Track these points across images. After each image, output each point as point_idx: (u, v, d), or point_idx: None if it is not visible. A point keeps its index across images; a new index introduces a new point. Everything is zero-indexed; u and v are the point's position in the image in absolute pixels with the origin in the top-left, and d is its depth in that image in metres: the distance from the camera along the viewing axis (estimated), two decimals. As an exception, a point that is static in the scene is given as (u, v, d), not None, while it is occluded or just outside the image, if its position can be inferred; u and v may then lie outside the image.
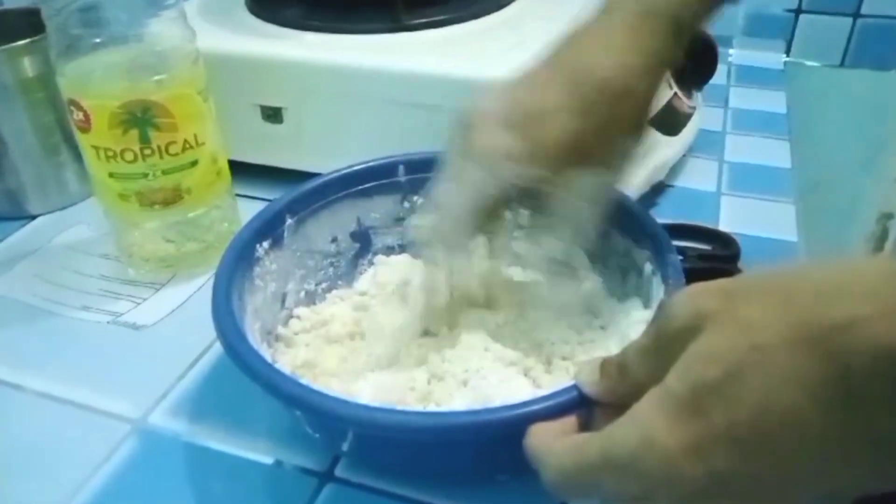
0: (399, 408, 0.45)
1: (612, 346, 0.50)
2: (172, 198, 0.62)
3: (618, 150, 0.47)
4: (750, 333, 0.29)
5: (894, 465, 0.28)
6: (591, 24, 0.47)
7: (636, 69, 0.45)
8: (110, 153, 0.59)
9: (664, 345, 0.33)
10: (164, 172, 0.60)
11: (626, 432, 0.32)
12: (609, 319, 0.54)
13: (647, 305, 0.51)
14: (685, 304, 0.33)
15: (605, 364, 0.38)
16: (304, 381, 0.44)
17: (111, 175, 0.60)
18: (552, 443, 0.36)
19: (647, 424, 0.31)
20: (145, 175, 0.60)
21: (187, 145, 0.60)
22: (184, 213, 0.63)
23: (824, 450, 0.28)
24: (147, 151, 0.59)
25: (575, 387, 0.39)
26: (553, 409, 0.39)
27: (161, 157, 0.60)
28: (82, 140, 0.60)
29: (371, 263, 0.62)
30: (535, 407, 0.39)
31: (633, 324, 0.50)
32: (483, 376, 0.48)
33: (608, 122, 0.45)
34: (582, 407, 0.39)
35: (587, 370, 0.39)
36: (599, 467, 0.33)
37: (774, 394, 0.28)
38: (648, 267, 0.52)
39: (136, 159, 0.59)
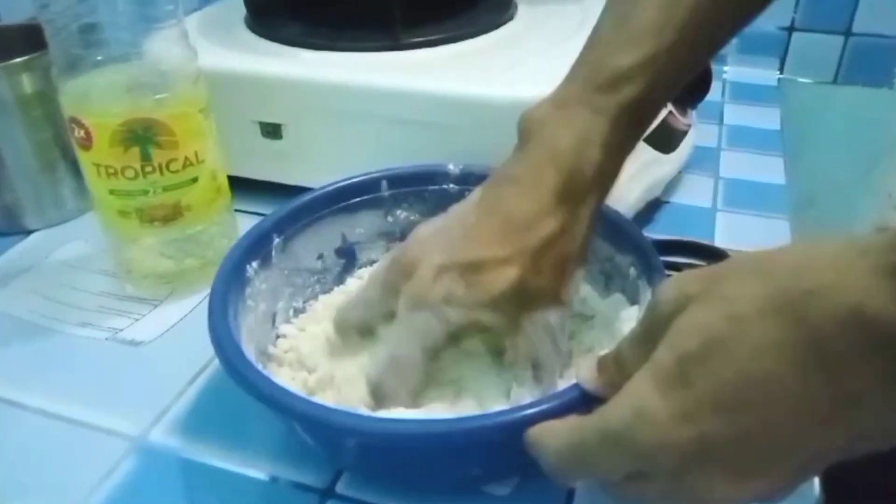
0: (405, 416, 0.46)
1: (604, 341, 0.51)
2: (172, 214, 0.62)
3: (564, 284, 0.47)
4: (729, 305, 0.32)
5: (867, 427, 0.30)
6: (521, 178, 0.47)
7: (575, 227, 0.46)
8: (111, 170, 0.59)
9: (653, 329, 0.35)
10: (165, 189, 0.61)
11: (620, 407, 0.34)
12: (598, 318, 0.55)
13: (633, 303, 0.53)
14: (671, 288, 0.35)
15: (601, 359, 0.40)
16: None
17: (111, 192, 0.60)
18: (551, 426, 0.38)
19: (639, 397, 0.34)
20: (146, 192, 0.60)
21: (188, 162, 0.61)
22: (183, 229, 0.63)
23: (802, 412, 0.31)
24: (148, 169, 0.59)
25: (579, 386, 0.41)
26: (560, 410, 0.39)
27: (162, 174, 0.60)
28: (83, 157, 0.60)
29: (359, 279, 0.63)
30: (544, 406, 0.40)
31: (623, 320, 0.51)
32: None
33: (549, 265, 0.46)
34: (585, 406, 0.40)
35: (585, 367, 0.41)
36: (597, 443, 0.35)
37: (753, 360, 0.31)
38: (633, 271, 0.53)
39: (136, 176, 0.59)
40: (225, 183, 0.66)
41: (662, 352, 0.34)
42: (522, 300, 0.46)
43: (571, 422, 0.37)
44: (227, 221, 0.67)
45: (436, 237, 0.48)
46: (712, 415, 0.32)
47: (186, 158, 0.61)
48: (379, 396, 0.48)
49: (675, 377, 0.33)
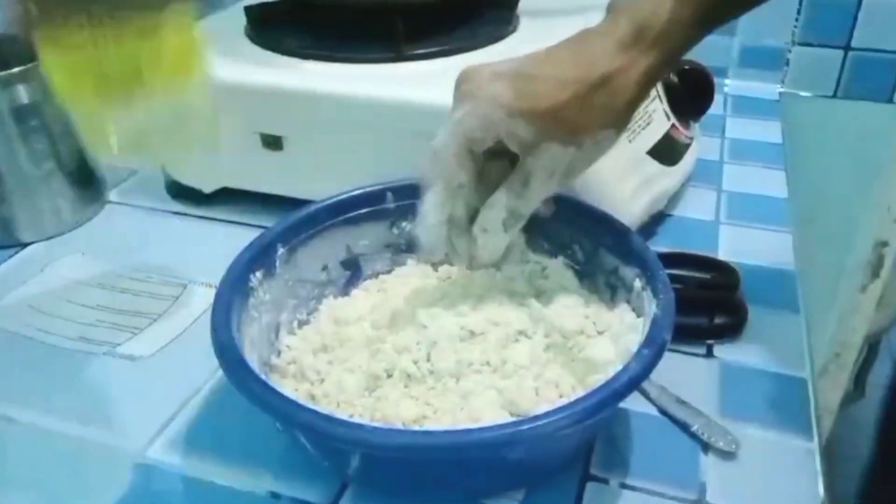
0: (413, 428, 0.46)
1: (612, 355, 0.51)
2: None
3: (592, 135, 0.51)
4: None
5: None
6: (599, 27, 0.52)
7: (629, 75, 0.50)
8: None
9: None
10: None
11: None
12: (604, 324, 0.55)
13: (639, 315, 0.52)
14: None
15: None
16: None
17: None
18: None
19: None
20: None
21: None
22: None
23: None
24: None
25: (587, 397, 0.41)
26: (565, 422, 0.40)
27: None
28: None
29: (364, 290, 0.62)
30: (551, 419, 0.40)
31: (630, 333, 0.51)
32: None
33: (593, 107, 0.50)
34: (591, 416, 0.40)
35: None
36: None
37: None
38: (638, 283, 0.52)
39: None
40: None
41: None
42: (556, 124, 0.50)
43: None
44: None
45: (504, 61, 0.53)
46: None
47: None
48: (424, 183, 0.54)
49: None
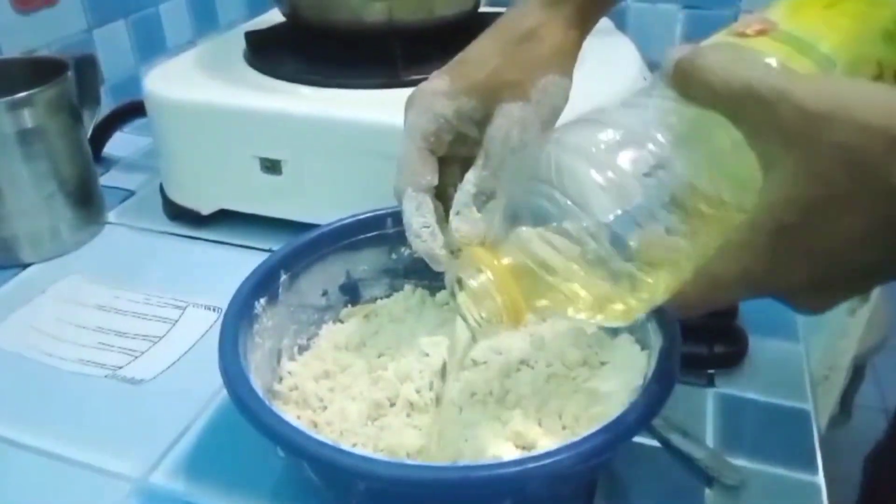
0: (424, 463, 0.46)
1: (618, 387, 0.51)
2: None
3: (534, 84, 0.53)
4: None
5: None
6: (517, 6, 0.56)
7: (549, 23, 0.54)
8: None
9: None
10: None
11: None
12: (609, 366, 0.54)
13: (644, 347, 0.52)
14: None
15: None
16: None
17: None
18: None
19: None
20: None
21: None
22: None
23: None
24: None
25: (598, 433, 0.41)
26: (575, 459, 0.40)
27: None
28: None
29: (364, 316, 0.62)
30: (561, 457, 0.40)
31: (636, 367, 0.51)
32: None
33: (525, 58, 0.54)
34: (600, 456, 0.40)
35: None
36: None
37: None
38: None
39: None
40: None
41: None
42: (496, 88, 0.53)
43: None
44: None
45: None
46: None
47: None
48: (398, 197, 0.55)
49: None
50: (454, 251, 0.55)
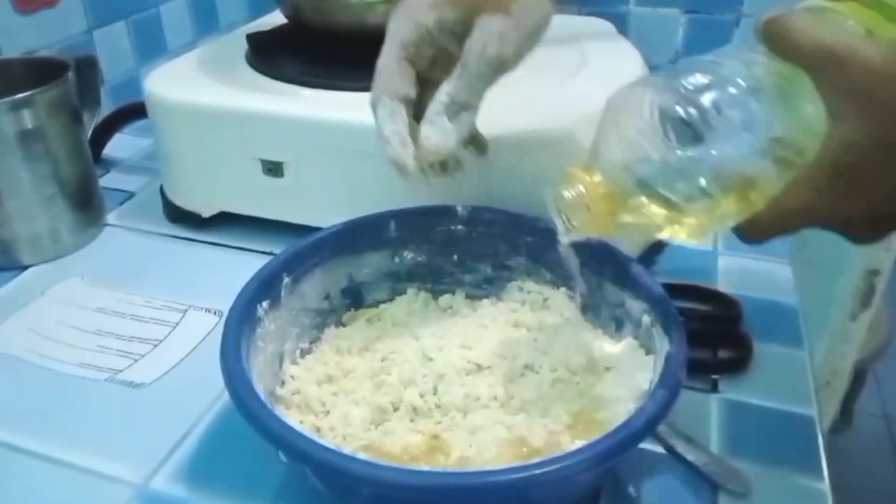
0: (428, 469, 0.46)
1: (624, 394, 0.50)
2: None
3: (518, 0, 0.54)
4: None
5: None
6: None
7: None
8: None
9: None
10: None
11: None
12: (614, 371, 0.54)
13: (648, 352, 0.52)
14: None
15: None
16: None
17: None
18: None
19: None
20: None
21: None
22: None
23: None
24: None
25: (604, 439, 0.41)
26: (589, 464, 0.40)
27: None
28: None
29: (367, 320, 0.62)
30: (573, 460, 0.40)
31: (641, 371, 0.50)
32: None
33: None
34: (608, 462, 0.40)
35: None
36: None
37: None
38: (647, 319, 0.52)
39: None
40: None
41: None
42: (478, 1, 0.53)
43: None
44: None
45: None
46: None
47: None
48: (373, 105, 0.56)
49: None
50: (425, 168, 0.55)
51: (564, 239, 0.50)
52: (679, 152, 0.43)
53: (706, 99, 0.43)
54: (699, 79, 0.44)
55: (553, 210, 0.49)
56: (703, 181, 0.43)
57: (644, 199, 0.45)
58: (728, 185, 0.44)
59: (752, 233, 0.46)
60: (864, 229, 0.45)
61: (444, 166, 0.58)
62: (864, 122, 0.40)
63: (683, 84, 0.44)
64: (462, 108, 0.54)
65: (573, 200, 0.47)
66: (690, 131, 0.43)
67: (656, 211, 0.46)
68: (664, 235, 0.48)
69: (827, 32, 0.42)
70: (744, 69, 0.45)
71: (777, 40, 0.44)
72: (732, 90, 0.44)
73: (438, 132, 0.53)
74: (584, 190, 0.46)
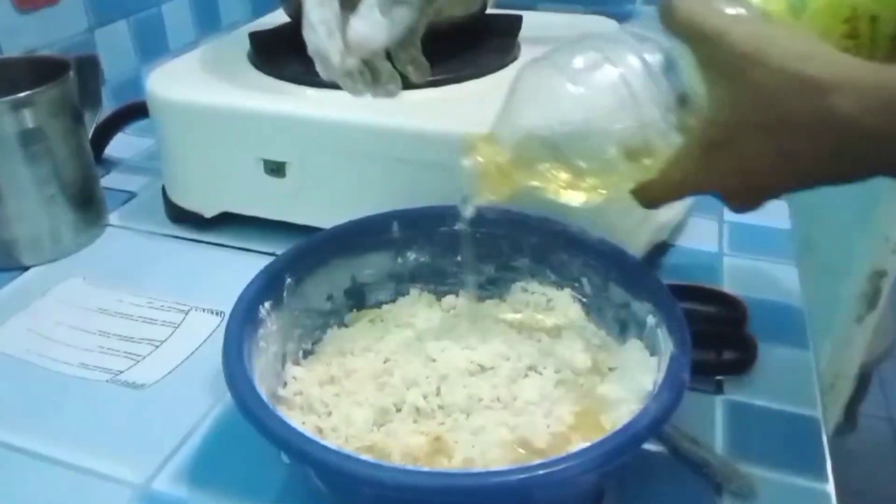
0: (432, 470, 0.46)
1: (628, 395, 0.50)
2: None
3: None
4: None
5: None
6: None
7: None
8: None
9: None
10: None
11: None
12: (618, 371, 0.54)
13: (653, 353, 0.51)
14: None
15: None
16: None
17: None
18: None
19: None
20: None
21: None
22: None
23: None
24: None
25: (607, 440, 0.41)
26: (593, 464, 0.40)
27: None
28: None
29: (369, 321, 0.62)
30: (577, 461, 0.40)
31: (644, 372, 0.50)
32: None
33: None
34: (612, 463, 0.40)
35: None
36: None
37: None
38: (651, 319, 0.52)
39: None
40: None
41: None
42: None
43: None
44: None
45: None
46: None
47: None
48: None
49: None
50: (353, 70, 0.54)
51: (467, 207, 0.53)
52: (581, 120, 0.46)
53: (607, 71, 0.46)
54: (602, 52, 0.47)
55: (461, 180, 0.51)
56: (603, 147, 0.46)
57: (547, 165, 0.48)
58: (628, 150, 0.47)
59: (645, 199, 0.49)
60: (741, 199, 0.47)
61: (377, 75, 0.57)
62: (735, 102, 0.42)
63: (583, 57, 0.47)
64: (396, 1, 0.52)
65: (472, 168, 0.50)
66: (593, 100, 0.46)
67: (559, 175, 0.48)
68: (563, 198, 0.50)
69: (705, 11, 0.43)
70: (646, 44, 0.46)
71: (664, 16, 0.45)
72: (633, 62, 0.46)
73: (368, 24, 0.51)
74: (481, 158, 0.49)
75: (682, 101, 0.46)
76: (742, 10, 0.45)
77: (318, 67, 0.53)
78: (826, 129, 0.40)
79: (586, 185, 0.49)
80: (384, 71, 0.57)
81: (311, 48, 0.52)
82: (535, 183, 0.50)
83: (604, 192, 0.49)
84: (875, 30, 0.46)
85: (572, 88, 0.46)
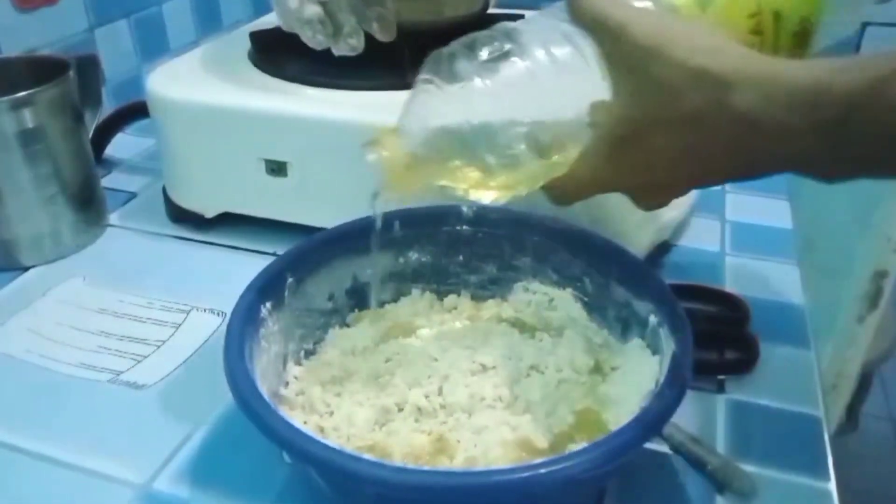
0: (434, 468, 0.46)
1: (630, 395, 0.50)
2: None
3: None
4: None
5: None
6: None
7: None
8: None
9: None
10: None
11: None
12: (620, 371, 0.54)
13: (655, 352, 0.51)
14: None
15: None
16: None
17: None
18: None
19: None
20: None
21: None
22: None
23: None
24: None
25: (609, 439, 0.41)
26: (595, 462, 0.40)
27: None
28: None
29: (371, 320, 0.61)
30: (579, 460, 0.40)
31: (646, 372, 0.50)
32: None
33: None
34: (614, 461, 0.40)
35: None
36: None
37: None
38: (653, 319, 0.52)
39: None
40: None
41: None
42: None
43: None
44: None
45: None
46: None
47: None
48: None
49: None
50: (312, 19, 0.54)
51: (377, 203, 0.52)
52: (488, 116, 0.45)
53: (514, 63, 0.45)
54: (508, 43, 0.46)
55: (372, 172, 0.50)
56: (511, 142, 0.45)
57: (456, 162, 0.47)
58: (538, 147, 0.46)
59: (556, 196, 0.49)
60: (647, 197, 0.47)
61: (339, 29, 0.56)
62: (636, 98, 0.42)
63: (493, 49, 0.46)
64: None
65: (376, 163, 0.48)
66: (500, 94, 0.45)
67: (467, 172, 0.47)
68: (473, 196, 0.49)
69: (608, 3, 0.43)
70: (554, 34, 0.46)
71: (570, 7, 0.45)
72: (540, 55, 0.45)
73: None
74: (385, 153, 0.48)
75: (573, 94, 0.45)
76: (647, 4, 0.45)
77: (277, 14, 0.52)
78: (728, 123, 0.39)
79: (496, 183, 0.48)
80: (346, 24, 0.56)
81: None
82: (442, 181, 0.49)
83: (513, 189, 0.49)
84: (778, 26, 0.47)
85: (478, 81, 0.45)
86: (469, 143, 0.46)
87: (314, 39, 0.55)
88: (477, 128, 0.45)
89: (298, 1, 0.51)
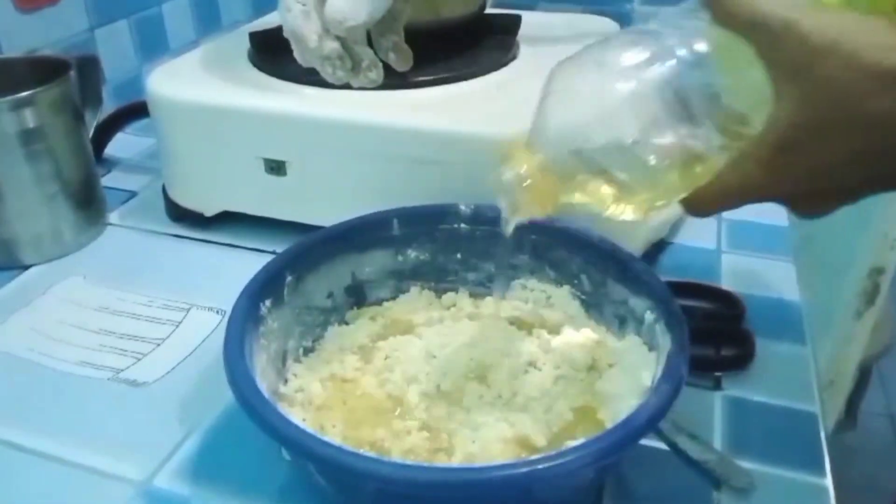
0: (433, 464, 0.46)
1: (626, 392, 0.50)
2: None
3: None
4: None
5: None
6: None
7: None
8: None
9: None
10: None
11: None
12: (617, 367, 0.54)
13: (652, 349, 0.52)
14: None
15: None
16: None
17: None
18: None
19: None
20: None
21: None
22: None
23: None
24: None
25: (606, 435, 0.41)
26: (592, 458, 0.40)
27: None
28: None
29: (370, 318, 0.62)
30: (576, 455, 0.40)
31: (644, 368, 0.50)
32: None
33: None
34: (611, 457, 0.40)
35: None
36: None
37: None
38: (650, 316, 0.52)
39: None
40: None
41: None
42: None
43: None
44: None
45: None
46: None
47: None
48: None
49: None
50: (331, 54, 0.53)
51: (509, 225, 0.49)
52: (627, 128, 0.43)
53: (651, 73, 0.43)
54: (641, 53, 0.43)
55: (497, 192, 0.47)
56: (649, 156, 0.43)
57: (589, 177, 0.45)
58: (675, 159, 0.43)
59: (697, 207, 0.46)
60: (808, 205, 0.45)
61: (357, 62, 0.55)
62: (806, 101, 0.39)
63: (626, 58, 0.43)
64: None
65: (514, 181, 0.46)
66: (638, 107, 0.43)
67: (602, 188, 0.45)
68: (609, 213, 0.46)
69: (764, 2, 0.40)
70: (687, 38, 0.43)
71: (716, 9, 0.42)
72: (675, 62, 0.43)
73: (348, 1, 0.50)
74: (524, 171, 0.45)
75: (714, 101, 0.42)
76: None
77: (295, 51, 0.52)
78: None
79: (635, 198, 0.45)
80: (365, 57, 0.56)
81: (287, 30, 0.51)
82: (580, 198, 0.46)
83: (655, 204, 0.46)
84: None
85: (622, 86, 0.43)
86: (594, 157, 0.43)
87: (334, 76, 0.55)
88: (603, 140, 0.43)
89: (318, 38, 0.51)
